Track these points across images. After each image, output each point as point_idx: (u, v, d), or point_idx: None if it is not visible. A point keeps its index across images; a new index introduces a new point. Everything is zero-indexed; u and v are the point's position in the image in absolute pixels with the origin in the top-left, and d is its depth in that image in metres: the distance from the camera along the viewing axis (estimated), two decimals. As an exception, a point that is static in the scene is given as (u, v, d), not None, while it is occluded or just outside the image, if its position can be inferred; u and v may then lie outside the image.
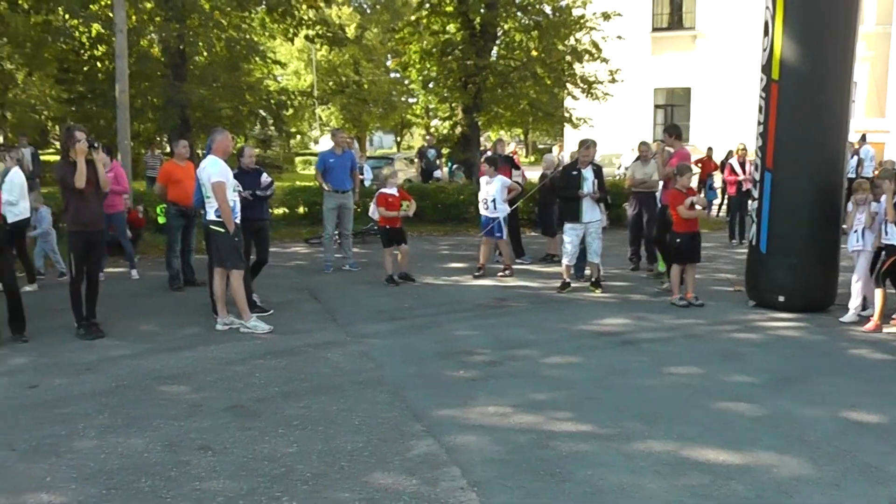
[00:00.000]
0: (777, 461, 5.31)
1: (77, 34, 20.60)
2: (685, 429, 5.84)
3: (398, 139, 63.79)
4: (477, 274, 12.00)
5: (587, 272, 11.25)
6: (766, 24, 9.92)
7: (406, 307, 9.91)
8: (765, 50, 9.98)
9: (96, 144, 8.33)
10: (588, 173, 10.69)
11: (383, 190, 11.55)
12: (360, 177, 14.09)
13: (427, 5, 22.83)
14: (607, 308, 10.00)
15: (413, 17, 24.01)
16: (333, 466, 5.10)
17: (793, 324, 9.28)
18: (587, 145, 10.81)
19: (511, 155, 13.89)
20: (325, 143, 41.32)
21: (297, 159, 42.63)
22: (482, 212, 12.15)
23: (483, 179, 12.20)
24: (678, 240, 10.15)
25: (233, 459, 5.22)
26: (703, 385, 6.96)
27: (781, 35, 9.66)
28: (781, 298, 9.74)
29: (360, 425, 5.84)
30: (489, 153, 14.19)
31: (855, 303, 9.43)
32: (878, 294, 9.07)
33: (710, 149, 21.33)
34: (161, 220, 12.02)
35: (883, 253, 9.06)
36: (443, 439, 5.55)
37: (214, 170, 8.51)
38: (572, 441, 5.58)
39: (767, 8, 9.92)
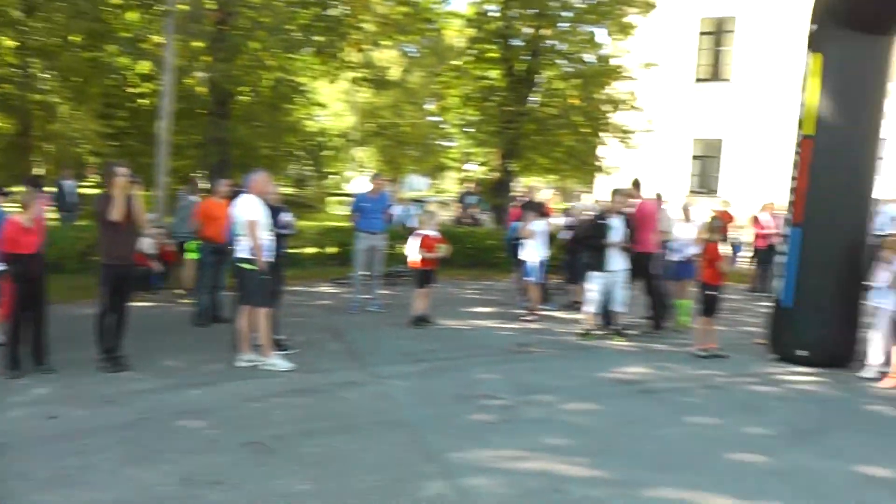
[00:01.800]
0: (787, 512, 5.32)
1: (125, 71, 21.05)
2: (698, 478, 5.88)
3: (433, 182, 64.00)
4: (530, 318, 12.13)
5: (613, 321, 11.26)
6: (804, 79, 10.04)
7: (429, 349, 9.98)
8: (801, 105, 10.08)
9: (137, 179, 8.49)
10: (616, 222, 10.78)
11: (425, 231, 11.65)
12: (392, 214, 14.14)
13: (471, 51, 23.11)
14: (629, 357, 10.02)
15: (456, 62, 24.31)
16: (344, 506, 5.17)
17: (813, 378, 9.27)
18: (619, 194, 10.93)
19: (540, 202, 13.97)
20: (359, 184, 41.59)
21: (330, 199, 42.90)
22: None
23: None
24: (714, 292, 10.19)
25: (245, 494, 5.32)
26: (719, 435, 6.98)
27: (818, 92, 9.78)
28: (803, 353, 9.72)
29: (375, 465, 5.91)
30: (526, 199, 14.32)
31: (876, 359, 9.38)
32: (894, 351, 9.05)
33: (726, 201, 21.29)
34: (193, 255, 12.21)
35: None
36: (455, 481, 5.62)
37: (249, 208, 8.72)
38: (584, 486, 5.63)
39: (807, 64, 10.03)
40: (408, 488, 5.48)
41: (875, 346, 9.40)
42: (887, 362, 9.36)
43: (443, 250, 11.58)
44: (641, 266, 11.41)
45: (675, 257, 12.04)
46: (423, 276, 11.56)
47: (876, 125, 9.92)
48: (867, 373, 9.35)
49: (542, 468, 5.94)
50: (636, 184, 12.36)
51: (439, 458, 6.08)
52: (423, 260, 11.51)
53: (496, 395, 7.95)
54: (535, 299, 12.40)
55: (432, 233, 11.63)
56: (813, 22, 10.05)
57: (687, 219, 12.32)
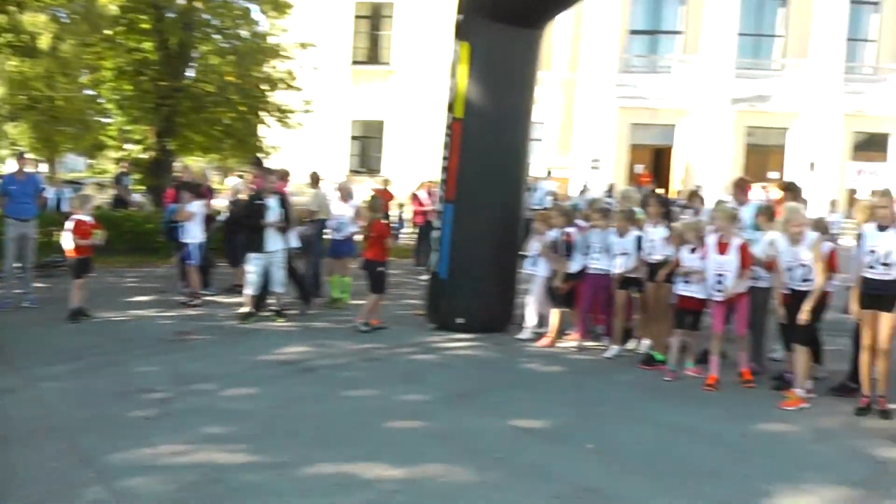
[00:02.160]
0: (443, 471, 5.66)
1: None
2: (356, 450, 6.04)
3: (91, 162, 59.69)
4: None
5: (270, 301, 11.25)
6: (452, 65, 10.57)
7: (86, 346, 9.34)
8: (451, 90, 10.62)
9: None
10: (273, 202, 10.75)
11: (79, 217, 10.81)
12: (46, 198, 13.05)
13: (123, 20, 21.83)
14: (290, 337, 10.05)
15: (108, 32, 22.85)
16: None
17: (471, 343, 9.86)
18: (276, 173, 10.93)
19: (197, 182, 13.56)
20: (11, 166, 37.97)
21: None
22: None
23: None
24: (381, 268, 10.49)
25: None
26: (378, 406, 7.23)
27: (465, 76, 10.34)
28: (460, 321, 10.31)
29: (26, 478, 5.46)
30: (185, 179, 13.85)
31: (532, 321, 10.19)
32: (555, 313, 9.91)
33: (386, 180, 22.14)
34: None
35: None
36: (112, 484, 5.34)
37: None
38: (244, 473, 5.59)
39: (455, 51, 10.56)
40: (61, 498, 5.13)
41: (530, 309, 10.20)
42: (542, 324, 10.21)
43: (98, 236, 10.88)
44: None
45: (335, 236, 12.26)
46: (79, 266, 10.80)
47: (524, 110, 10.68)
48: (524, 335, 10.14)
49: (201, 460, 5.81)
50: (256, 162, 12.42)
51: (96, 462, 5.74)
52: (78, 248, 10.75)
53: (155, 388, 7.63)
54: (195, 284, 12.06)
55: (86, 218, 10.88)
56: (459, 12, 10.63)
57: (344, 198, 12.52)
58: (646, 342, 9.46)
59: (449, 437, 6.43)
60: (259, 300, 11.02)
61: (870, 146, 34.20)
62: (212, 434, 6.40)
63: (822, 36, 32.56)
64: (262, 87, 22.22)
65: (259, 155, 18.51)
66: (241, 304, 11.12)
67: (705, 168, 32.18)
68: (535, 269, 10.18)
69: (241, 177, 17.83)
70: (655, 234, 9.13)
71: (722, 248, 8.21)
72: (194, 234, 11.99)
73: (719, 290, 8.21)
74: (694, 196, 10.23)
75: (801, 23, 33.28)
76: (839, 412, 7.37)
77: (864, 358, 7.39)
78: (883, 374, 7.35)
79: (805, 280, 7.57)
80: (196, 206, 12.06)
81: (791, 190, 9.53)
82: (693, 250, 8.51)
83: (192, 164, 22.06)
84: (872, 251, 7.24)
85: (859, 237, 7.50)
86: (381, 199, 11.96)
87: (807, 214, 8.10)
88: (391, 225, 18.88)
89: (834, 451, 6.43)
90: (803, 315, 7.48)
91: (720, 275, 8.19)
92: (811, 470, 5.96)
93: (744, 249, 8.19)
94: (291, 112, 22.73)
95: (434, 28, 29.07)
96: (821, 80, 32.59)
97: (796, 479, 5.75)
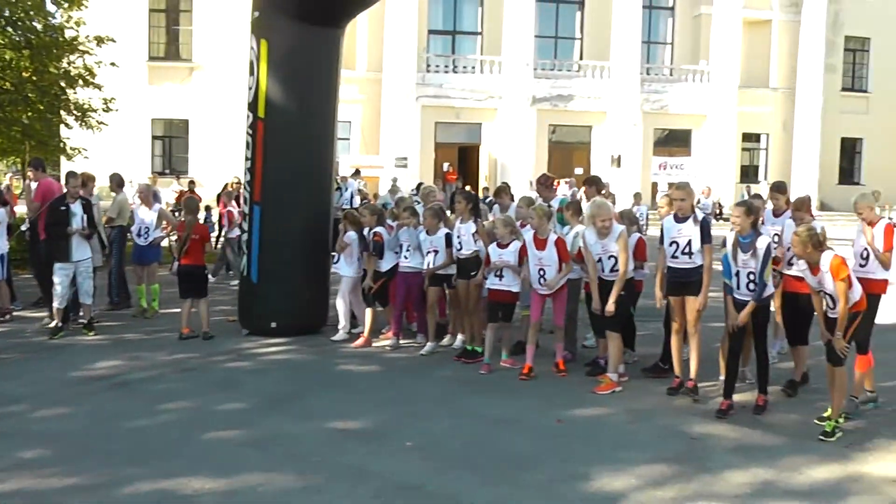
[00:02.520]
0: (264, 479, 5.65)
1: None
2: (174, 464, 5.92)
3: None
4: None
5: (81, 314, 10.76)
6: (252, 63, 10.39)
7: None
8: (251, 88, 10.43)
9: None
10: (77, 208, 10.26)
11: None
12: None
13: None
14: (101, 350, 9.68)
15: None
16: None
17: (286, 347, 9.81)
18: (79, 178, 10.46)
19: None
20: None
21: None
22: None
23: None
24: (205, 272, 10.40)
25: None
26: (195, 417, 7.10)
27: (266, 75, 10.19)
28: (274, 324, 10.22)
29: None
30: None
31: (342, 322, 10.23)
32: (368, 312, 9.99)
33: (192, 181, 21.61)
34: None
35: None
36: None
37: None
38: (60, 497, 5.38)
39: (252, 49, 10.39)
40: None
41: (342, 310, 10.23)
42: (357, 325, 10.30)
43: None
44: None
45: (139, 241, 11.87)
46: None
47: (328, 109, 10.63)
48: (339, 336, 10.16)
49: (13, 488, 5.50)
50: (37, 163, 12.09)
51: None
52: None
53: (-43, 413, 7.18)
54: (2, 299, 11.39)
55: None
56: (255, 9, 10.50)
57: (147, 202, 12.06)
58: (461, 337, 9.73)
59: (268, 443, 6.40)
60: (67, 312, 10.52)
61: (672, 142, 36.71)
62: (24, 459, 6.08)
63: (619, 38, 34.62)
64: (61, 83, 21.06)
65: (63, 157, 17.62)
66: (49, 318, 10.61)
67: (512, 165, 33.29)
68: (343, 269, 10.26)
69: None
70: (464, 230, 9.38)
71: (539, 243, 8.51)
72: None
73: (542, 284, 8.51)
74: (502, 192, 10.52)
75: (599, 26, 35.19)
76: (652, 393, 7.86)
77: (674, 341, 7.92)
78: (695, 354, 7.86)
79: (613, 270, 8.00)
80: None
81: (594, 184, 10.04)
82: (504, 245, 8.78)
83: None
84: (674, 242, 7.72)
85: (662, 229, 7.95)
86: (196, 200, 11.60)
87: (613, 208, 8.58)
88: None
89: (649, 431, 6.84)
90: (609, 306, 7.91)
91: (541, 269, 8.50)
92: (628, 450, 6.32)
93: (560, 244, 8.51)
94: (92, 111, 21.69)
95: (236, 22, 28.46)
96: (621, 80, 34.60)
97: (614, 459, 6.10)
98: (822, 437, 6.54)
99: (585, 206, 8.81)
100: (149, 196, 12.20)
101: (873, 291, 7.32)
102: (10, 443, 6.45)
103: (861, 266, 7.58)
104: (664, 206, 8.54)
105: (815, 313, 7.07)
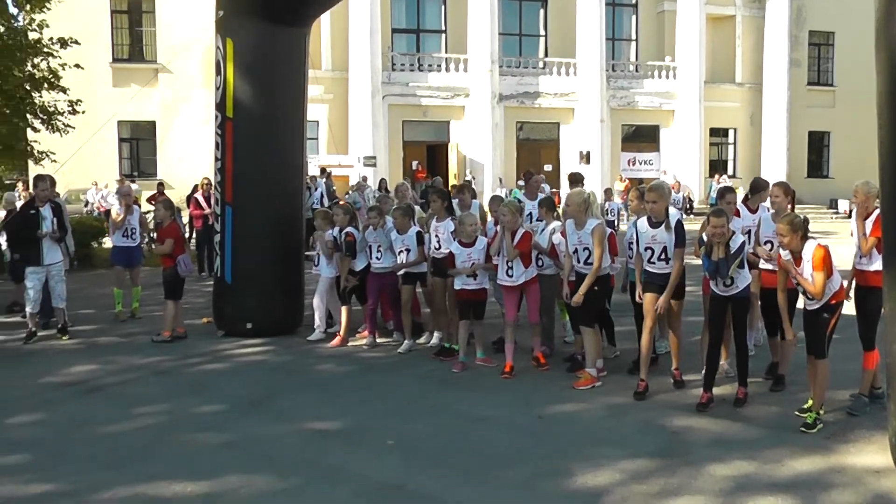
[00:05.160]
0: (244, 482, 5.58)
1: None
2: (153, 468, 5.84)
3: None
4: None
5: (54, 319, 10.60)
6: (218, 63, 10.29)
7: None
8: (218, 88, 10.35)
9: None
10: (46, 212, 10.11)
11: None
12: None
13: None
14: (75, 355, 9.56)
15: None
16: None
17: (261, 348, 9.73)
18: (47, 180, 10.30)
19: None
20: None
21: None
22: None
23: None
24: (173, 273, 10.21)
25: None
26: (171, 421, 7.01)
27: (233, 75, 10.09)
28: (249, 325, 10.14)
29: None
30: None
31: (318, 321, 10.15)
32: (343, 311, 9.92)
33: (161, 183, 21.36)
34: None
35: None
36: None
37: None
38: (39, 503, 5.28)
39: (218, 48, 10.30)
40: None
41: (319, 310, 10.15)
42: (332, 324, 10.22)
43: None
44: None
45: (126, 243, 11.80)
46: None
47: (296, 108, 10.58)
48: (314, 336, 10.08)
49: (-11, 495, 5.42)
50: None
51: None
52: None
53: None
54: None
55: None
56: (219, 8, 10.41)
57: (128, 204, 11.98)
58: (437, 334, 9.68)
59: (246, 446, 6.33)
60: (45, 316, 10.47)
61: (640, 137, 36.99)
62: (1, 465, 5.98)
63: (584, 35, 34.72)
64: (26, 86, 20.74)
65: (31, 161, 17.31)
66: (23, 324, 10.45)
67: (481, 162, 33.33)
68: (319, 269, 10.19)
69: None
70: (442, 228, 9.32)
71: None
72: None
73: (510, 277, 8.45)
74: (464, 189, 10.37)
75: (563, 23, 35.31)
76: (631, 387, 7.71)
77: (646, 340, 7.70)
78: (675, 348, 7.89)
79: (588, 263, 7.93)
80: None
81: (578, 181, 10.22)
82: (468, 245, 8.70)
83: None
84: (649, 248, 7.63)
85: (636, 230, 7.79)
86: (171, 201, 11.43)
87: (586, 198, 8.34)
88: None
89: (630, 426, 6.79)
90: (576, 297, 7.87)
91: (510, 264, 8.42)
92: (609, 445, 6.28)
93: (526, 238, 8.45)
94: (59, 114, 21.39)
95: (200, 23, 28.29)
96: (587, 77, 34.71)
97: (595, 454, 6.06)
98: (803, 429, 6.53)
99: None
100: (132, 199, 12.17)
101: (872, 284, 6.89)
102: (-17, 450, 6.34)
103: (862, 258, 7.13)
104: (634, 200, 8.51)
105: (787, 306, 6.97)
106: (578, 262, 8.07)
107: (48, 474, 5.80)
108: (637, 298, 7.91)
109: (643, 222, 7.75)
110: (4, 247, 11.67)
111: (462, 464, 5.94)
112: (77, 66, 21.33)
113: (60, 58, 20.90)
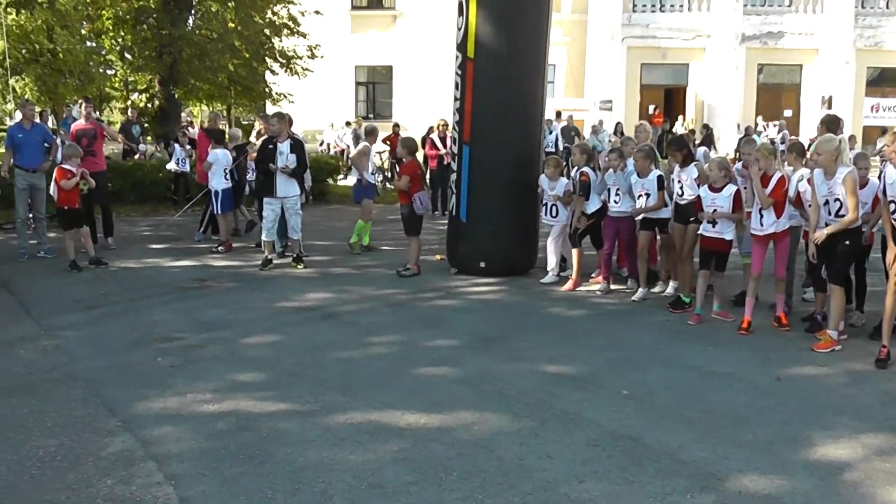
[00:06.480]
0: (477, 418, 5.51)
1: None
2: (386, 396, 5.91)
3: (97, 113, 59.35)
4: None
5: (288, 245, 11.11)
6: (461, 4, 10.23)
7: (103, 294, 9.23)
8: (460, 29, 10.28)
9: None
10: (284, 147, 10.50)
11: (64, 165, 10.55)
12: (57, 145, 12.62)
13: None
14: (310, 283, 9.90)
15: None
16: (23, 476, 4.63)
17: (494, 288, 9.68)
18: (276, 118, 10.75)
19: (221, 129, 13.44)
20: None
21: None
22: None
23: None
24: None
25: None
26: (405, 352, 7.08)
27: (476, 15, 9.98)
28: (482, 264, 10.12)
29: (53, 427, 5.34)
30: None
31: (552, 264, 9.99)
32: (575, 254, 9.68)
33: (396, 125, 21.70)
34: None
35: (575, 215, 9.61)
36: (139, 433, 5.23)
37: None
38: (272, 421, 5.46)
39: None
40: (90, 448, 5.00)
41: (552, 253, 9.99)
42: (565, 268, 10.03)
43: (82, 186, 10.56)
44: None
45: (370, 179, 12.20)
46: (67, 217, 10.52)
47: (538, 49, 10.30)
48: (547, 279, 9.93)
49: (229, 408, 5.68)
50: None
51: (121, 411, 5.62)
52: (62, 198, 10.42)
53: (176, 335, 7.52)
54: (224, 231, 11.99)
55: (70, 167, 10.47)
56: None
57: (373, 142, 12.38)
58: (673, 284, 9.29)
59: (480, 383, 6.27)
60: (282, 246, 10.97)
61: (884, 81, 33.81)
62: (237, 382, 6.28)
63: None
64: (266, 32, 21.81)
65: (269, 102, 18.28)
66: (256, 251, 10.96)
67: (719, 108, 31.84)
68: (552, 219, 9.98)
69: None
70: (685, 175, 8.79)
71: (763, 183, 7.84)
72: (218, 181, 11.88)
73: (760, 226, 7.90)
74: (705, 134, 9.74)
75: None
76: (872, 354, 7.05)
77: (890, 301, 6.89)
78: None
79: (839, 215, 7.25)
80: (218, 154, 11.91)
81: (834, 126, 8.68)
82: (717, 189, 8.22)
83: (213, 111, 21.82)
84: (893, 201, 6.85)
85: (883, 176, 7.03)
86: (414, 140, 11.54)
87: (838, 146, 7.56)
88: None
89: (871, 395, 6.20)
90: (819, 234, 7.18)
91: (761, 213, 7.87)
92: (850, 415, 5.74)
93: (781, 183, 7.82)
94: (297, 58, 22.33)
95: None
96: (833, 15, 32.07)
97: (836, 424, 5.55)
98: None
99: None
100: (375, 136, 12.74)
101: None
102: (223, 366, 6.67)
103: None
104: (891, 143, 7.49)
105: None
106: (829, 213, 7.37)
107: (283, 393, 6.00)
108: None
109: (891, 168, 6.93)
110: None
111: (697, 420, 5.60)
112: (317, 12, 22.12)
113: (299, 5, 21.73)
